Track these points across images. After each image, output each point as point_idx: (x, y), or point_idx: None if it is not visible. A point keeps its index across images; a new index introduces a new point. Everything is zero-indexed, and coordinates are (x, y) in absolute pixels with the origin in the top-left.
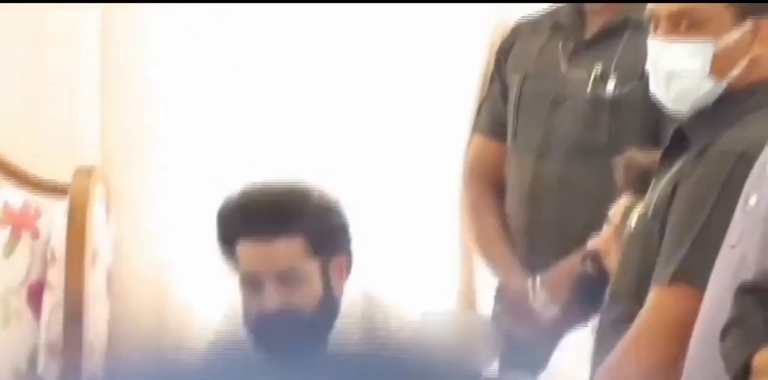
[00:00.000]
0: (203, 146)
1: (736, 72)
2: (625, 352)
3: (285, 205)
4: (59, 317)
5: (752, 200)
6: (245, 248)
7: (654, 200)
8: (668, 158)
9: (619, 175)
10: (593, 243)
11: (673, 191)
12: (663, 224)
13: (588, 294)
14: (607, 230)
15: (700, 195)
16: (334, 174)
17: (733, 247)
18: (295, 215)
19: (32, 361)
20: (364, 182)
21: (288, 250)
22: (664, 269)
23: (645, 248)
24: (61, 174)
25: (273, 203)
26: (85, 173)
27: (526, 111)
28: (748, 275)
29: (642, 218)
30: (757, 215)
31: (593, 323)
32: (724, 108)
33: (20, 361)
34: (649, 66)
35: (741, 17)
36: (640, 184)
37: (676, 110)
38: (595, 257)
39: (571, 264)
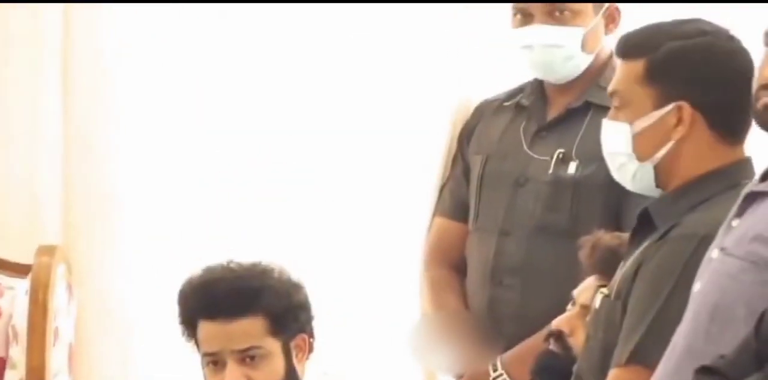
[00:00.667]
0: (166, 221)
1: (660, 154)
2: None
3: (245, 285)
4: None
5: (696, 288)
6: (206, 328)
7: (617, 282)
8: (635, 239)
9: (584, 255)
10: (558, 322)
11: (636, 272)
12: (625, 306)
13: (552, 374)
14: (572, 310)
15: (660, 277)
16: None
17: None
18: (255, 295)
19: None
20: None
21: (249, 330)
22: (621, 350)
23: (608, 329)
24: (23, 254)
25: (233, 283)
26: (47, 252)
27: (488, 191)
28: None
29: (605, 299)
30: (695, 302)
31: None
32: (689, 191)
33: None
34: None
35: (663, 101)
36: (605, 265)
37: (630, 189)
38: (559, 336)
39: (534, 343)
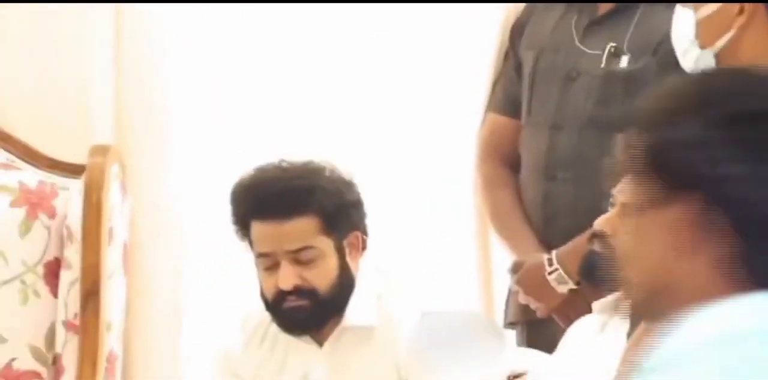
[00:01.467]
0: (219, 123)
1: (721, 42)
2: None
3: (297, 184)
4: (76, 295)
5: None
6: (258, 228)
7: None
8: None
9: (620, 152)
10: (599, 222)
11: None
12: None
13: (597, 274)
14: (612, 210)
15: None
16: (347, 158)
17: None
18: (307, 194)
19: (50, 339)
20: (381, 170)
21: (301, 229)
22: None
23: None
24: (77, 154)
25: (285, 182)
26: (100, 152)
27: (540, 87)
28: None
29: None
30: None
31: (600, 319)
32: None
33: (38, 339)
34: None
35: None
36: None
37: None
38: (602, 237)
39: (582, 242)
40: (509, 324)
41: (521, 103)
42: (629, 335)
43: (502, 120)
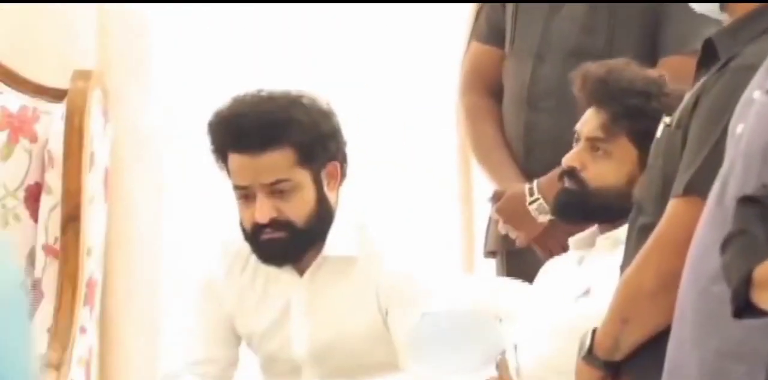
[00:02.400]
0: (202, 48)
1: None
2: (641, 261)
3: (272, 117)
4: (57, 219)
5: (738, 129)
6: (235, 160)
7: (679, 111)
8: (700, 69)
9: (576, 88)
10: (567, 159)
11: (695, 102)
12: (685, 135)
13: (570, 209)
14: (578, 145)
15: (718, 109)
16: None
17: (719, 176)
18: (282, 126)
19: (30, 263)
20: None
21: (277, 162)
22: (678, 181)
23: (668, 158)
24: (59, 79)
25: (260, 115)
26: (82, 77)
27: (524, 15)
28: (729, 204)
29: (666, 128)
30: (739, 146)
31: (577, 253)
32: (752, 21)
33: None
34: None
35: None
36: (598, 94)
37: (696, 8)
38: (572, 173)
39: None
40: (489, 253)
41: (504, 32)
42: (622, 268)
43: (485, 49)
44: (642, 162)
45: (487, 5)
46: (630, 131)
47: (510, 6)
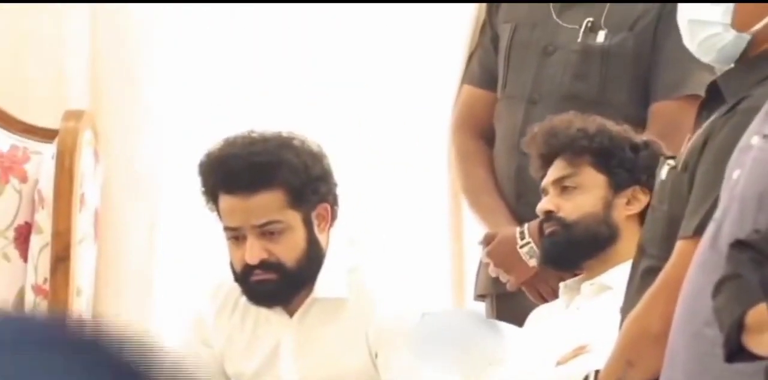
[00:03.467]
0: (194, 90)
1: (759, 26)
2: (648, 303)
3: (263, 159)
4: (47, 259)
5: (735, 174)
6: (225, 201)
7: (684, 154)
8: (703, 112)
9: (535, 152)
10: (540, 207)
11: (704, 145)
12: (692, 178)
13: (557, 252)
14: (547, 195)
15: (727, 151)
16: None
17: (714, 220)
18: (273, 168)
19: (19, 303)
20: (354, 143)
21: (268, 204)
22: (688, 222)
23: (673, 201)
24: (50, 119)
25: (251, 157)
26: (74, 117)
27: (516, 60)
28: (723, 248)
29: (672, 171)
30: (735, 190)
31: (564, 298)
32: (760, 65)
33: (7, 303)
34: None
35: None
36: (555, 143)
37: (706, 60)
38: (549, 217)
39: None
40: (479, 297)
41: (497, 76)
42: (623, 310)
43: (477, 92)
44: (612, 184)
45: (481, 49)
46: (591, 156)
47: (502, 49)
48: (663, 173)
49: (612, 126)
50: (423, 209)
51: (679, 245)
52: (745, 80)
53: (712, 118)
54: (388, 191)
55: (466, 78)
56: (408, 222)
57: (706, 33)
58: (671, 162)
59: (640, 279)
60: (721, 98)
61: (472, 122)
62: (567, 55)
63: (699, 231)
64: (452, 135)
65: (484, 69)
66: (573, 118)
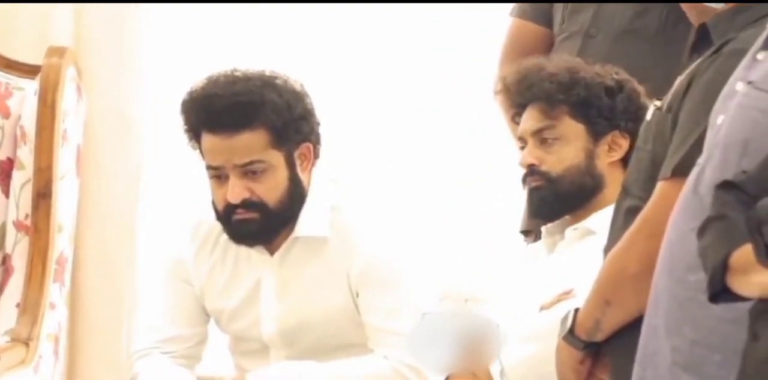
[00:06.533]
0: (180, 27)
1: None
2: (626, 243)
3: (246, 99)
4: (29, 195)
5: (719, 120)
6: (208, 140)
7: (670, 94)
8: (692, 53)
9: (507, 101)
10: (522, 160)
11: (688, 86)
12: (675, 119)
13: (545, 205)
14: (527, 146)
15: (710, 92)
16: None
17: (697, 165)
18: (255, 108)
19: (0, 238)
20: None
21: (250, 143)
22: (667, 163)
23: (657, 141)
24: (34, 55)
25: (234, 97)
26: (57, 53)
27: None
28: (705, 193)
29: (657, 111)
30: (718, 137)
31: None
32: (750, 8)
33: None
34: None
35: None
36: (526, 90)
37: None
38: (532, 170)
39: None
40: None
41: (549, 12)
42: (606, 250)
43: (527, 25)
44: (591, 133)
45: None
46: (568, 106)
47: None
48: (649, 113)
49: (584, 68)
50: (408, 151)
51: (659, 185)
52: (732, 23)
53: (697, 60)
54: (372, 132)
55: (517, 11)
56: (391, 161)
57: None
58: (657, 103)
59: (623, 219)
60: (710, 40)
61: (520, 53)
62: None
63: (677, 172)
64: (500, 64)
65: (536, 4)
66: (543, 62)
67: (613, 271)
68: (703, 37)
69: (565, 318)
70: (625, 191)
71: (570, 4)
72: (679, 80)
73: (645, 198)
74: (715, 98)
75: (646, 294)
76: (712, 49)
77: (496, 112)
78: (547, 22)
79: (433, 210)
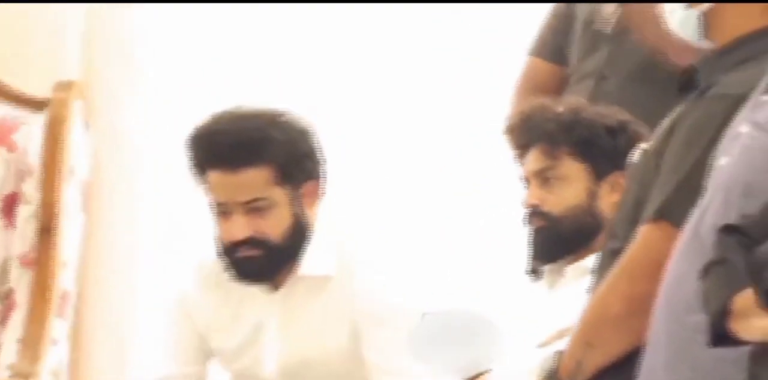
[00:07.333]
0: (187, 63)
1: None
2: (608, 285)
3: (250, 136)
4: (33, 229)
5: (722, 162)
6: (213, 177)
7: (655, 137)
8: (680, 94)
9: (514, 142)
10: (525, 201)
11: (672, 129)
12: (658, 162)
13: (547, 246)
14: (529, 186)
15: (693, 136)
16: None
17: (698, 207)
18: (260, 145)
19: (4, 273)
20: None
21: (255, 180)
22: (650, 206)
23: (641, 184)
24: (41, 89)
25: (238, 133)
26: (65, 87)
27: (593, 35)
28: (706, 235)
29: (644, 154)
30: (720, 179)
31: (548, 280)
32: (733, 51)
33: None
34: None
35: None
36: (528, 131)
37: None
38: (535, 211)
39: None
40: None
41: (564, 50)
42: (592, 291)
43: (544, 65)
44: (593, 173)
45: (553, 24)
46: (569, 146)
47: (578, 29)
48: (636, 155)
49: (586, 109)
50: (413, 188)
51: (642, 228)
52: (717, 66)
53: (684, 102)
54: (379, 171)
55: (535, 50)
56: (396, 201)
57: (669, 6)
58: (644, 145)
59: (607, 260)
60: (696, 82)
61: (533, 89)
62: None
63: (659, 215)
64: (512, 104)
65: (555, 44)
66: (546, 103)
67: (594, 313)
68: (688, 79)
69: (548, 360)
70: (610, 233)
71: (585, 44)
72: (665, 122)
73: (628, 239)
74: (697, 142)
75: (627, 336)
76: (697, 92)
77: (493, 122)
78: (563, 60)
79: (429, 222)
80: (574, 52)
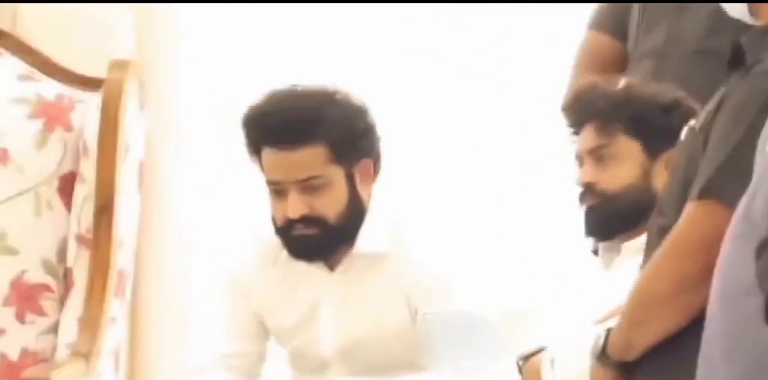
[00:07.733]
0: (240, 42)
1: None
2: (655, 264)
3: (305, 114)
4: (90, 209)
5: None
6: (268, 155)
7: (703, 114)
8: (729, 70)
9: (569, 119)
10: (579, 179)
11: (719, 105)
12: (706, 139)
13: (601, 224)
14: (583, 164)
15: (738, 113)
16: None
17: (747, 192)
18: (317, 123)
19: (62, 252)
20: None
21: (310, 158)
22: (696, 184)
23: (689, 161)
24: (97, 68)
25: (293, 111)
26: (120, 67)
27: (650, 15)
28: (758, 219)
29: (690, 131)
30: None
31: (604, 258)
32: None
33: (50, 251)
34: None
35: None
36: (582, 109)
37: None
38: (589, 189)
39: None
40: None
41: (625, 25)
42: (642, 268)
43: (604, 38)
44: (647, 150)
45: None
46: (624, 123)
47: (636, 6)
48: (683, 133)
49: (639, 86)
50: (468, 164)
51: (687, 206)
52: (762, 43)
53: (731, 78)
54: (435, 148)
55: (594, 23)
56: (452, 178)
57: None
58: (691, 122)
59: (655, 238)
60: (744, 58)
61: (592, 64)
62: (699, 11)
63: (705, 192)
64: (572, 78)
65: (615, 19)
66: (598, 81)
67: (642, 292)
68: (736, 55)
69: (597, 338)
70: (658, 210)
71: (644, 21)
72: (712, 100)
73: (676, 216)
74: (743, 119)
75: (675, 315)
76: (745, 68)
77: (550, 102)
78: (624, 36)
79: (483, 199)
80: (633, 27)
